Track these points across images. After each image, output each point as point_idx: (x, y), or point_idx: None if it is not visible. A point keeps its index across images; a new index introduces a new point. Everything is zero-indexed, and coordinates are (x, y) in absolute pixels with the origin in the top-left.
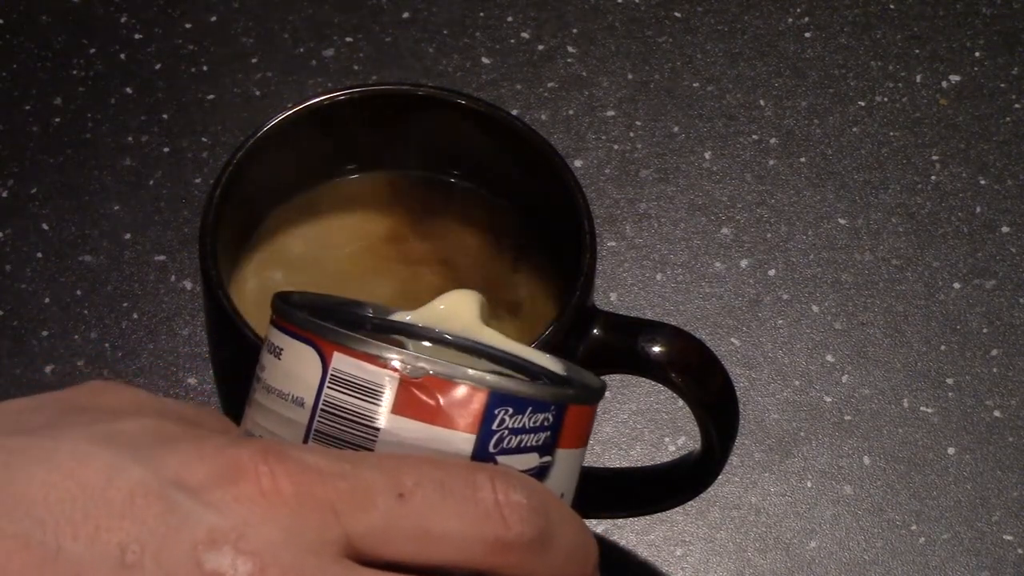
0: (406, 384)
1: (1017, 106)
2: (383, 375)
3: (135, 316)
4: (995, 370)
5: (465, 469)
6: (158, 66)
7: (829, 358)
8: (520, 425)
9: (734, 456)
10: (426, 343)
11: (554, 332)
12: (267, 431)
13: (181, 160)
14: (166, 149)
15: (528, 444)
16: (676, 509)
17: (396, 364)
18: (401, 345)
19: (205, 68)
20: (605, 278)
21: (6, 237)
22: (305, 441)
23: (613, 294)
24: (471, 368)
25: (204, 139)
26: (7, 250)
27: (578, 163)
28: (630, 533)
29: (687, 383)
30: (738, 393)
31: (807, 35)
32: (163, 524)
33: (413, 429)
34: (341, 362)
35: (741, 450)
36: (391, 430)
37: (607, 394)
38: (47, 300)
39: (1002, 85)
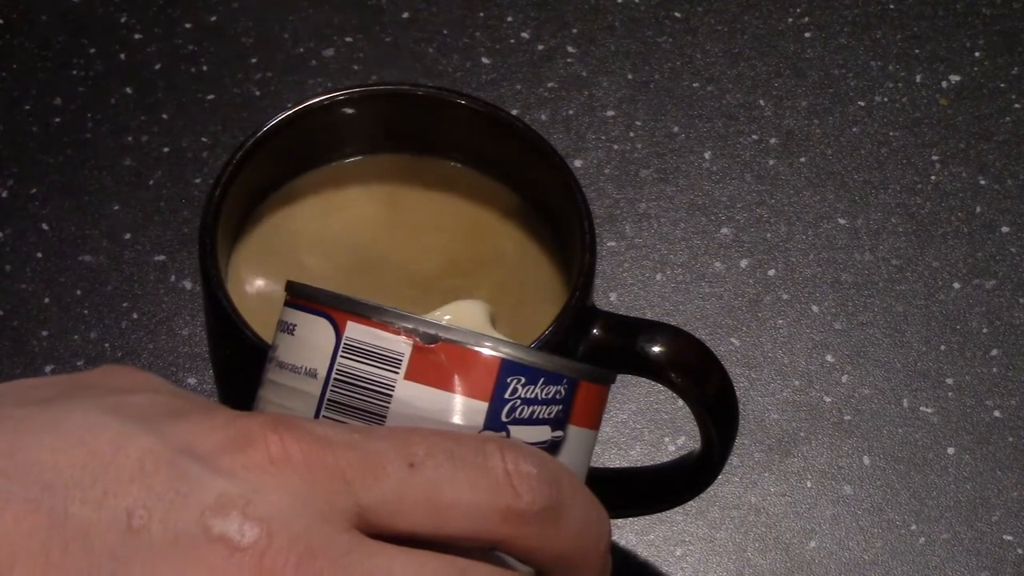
0: (419, 350)
1: (1017, 106)
2: (397, 341)
3: (135, 316)
4: (995, 370)
5: (475, 440)
6: (158, 66)
7: (829, 358)
8: (532, 396)
9: (734, 456)
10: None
11: (554, 332)
12: (278, 405)
13: (181, 160)
14: (166, 149)
15: (540, 416)
16: (676, 509)
17: (409, 331)
18: None
19: (205, 68)
20: (605, 278)
21: (6, 237)
22: (318, 411)
23: (613, 294)
24: (483, 336)
25: (204, 139)
26: (7, 250)
27: (578, 163)
28: (630, 533)
29: (687, 383)
30: (738, 393)
31: (807, 35)
32: (171, 490)
33: (426, 396)
34: (355, 331)
35: (741, 450)
36: (404, 397)
37: None
38: (47, 300)
39: (1002, 85)
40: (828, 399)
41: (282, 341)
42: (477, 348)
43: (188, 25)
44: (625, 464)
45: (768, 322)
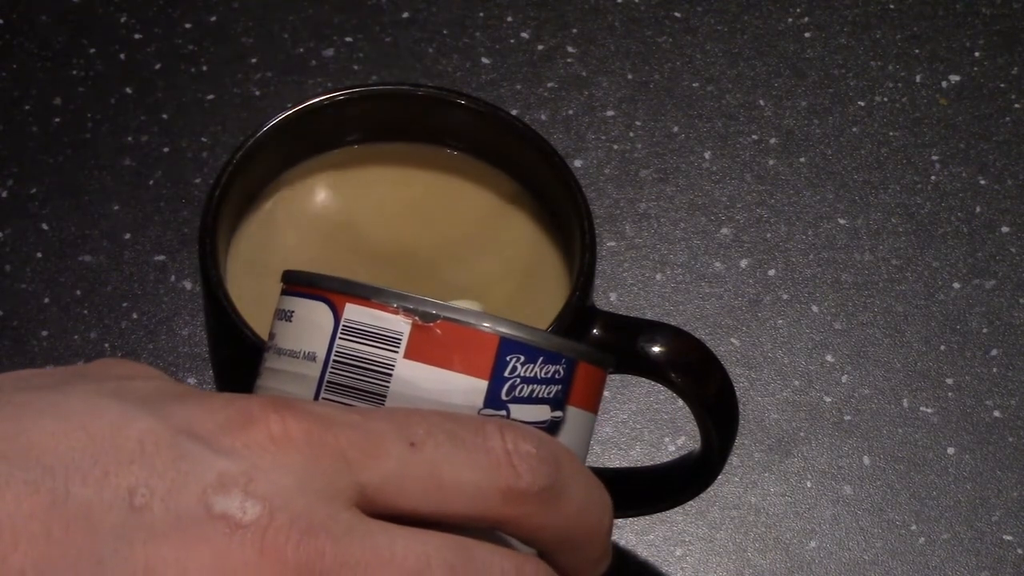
0: (418, 329)
1: (1017, 106)
2: (396, 321)
3: (135, 316)
4: (995, 370)
5: (475, 420)
6: (158, 66)
7: (829, 358)
8: (532, 374)
9: (734, 456)
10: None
11: (553, 332)
12: (277, 391)
13: (181, 160)
14: (166, 149)
15: (540, 395)
16: (676, 509)
17: (408, 310)
18: None
19: (205, 68)
20: (605, 278)
21: (6, 237)
22: (317, 393)
23: (613, 294)
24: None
25: (204, 139)
26: (7, 250)
27: (578, 163)
28: (630, 533)
29: (687, 383)
30: (738, 393)
31: (807, 35)
32: (172, 469)
33: (426, 375)
34: (353, 312)
35: (741, 450)
36: (404, 377)
37: (607, 394)
38: (47, 300)
39: (1002, 85)
40: (828, 399)
41: (280, 329)
42: (476, 326)
43: (188, 25)
44: (625, 464)
45: (768, 322)
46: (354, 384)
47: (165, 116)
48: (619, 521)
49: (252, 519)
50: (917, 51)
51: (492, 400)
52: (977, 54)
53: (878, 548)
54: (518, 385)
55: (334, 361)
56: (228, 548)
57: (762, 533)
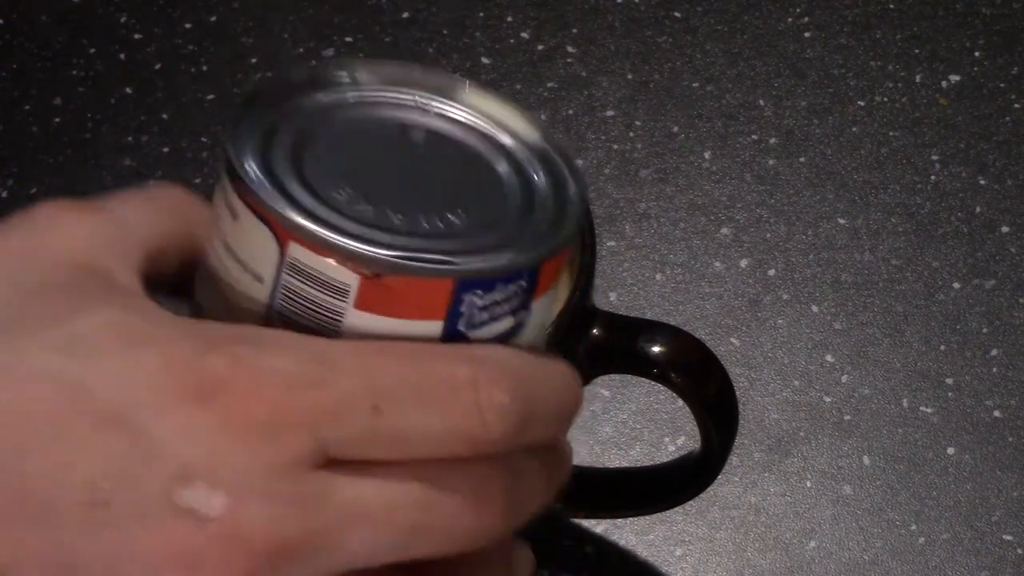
0: (368, 282)
1: (1017, 106)
2: (343, 272)
3: None
4: (995, 370)
5: (443, 363)
6: (158, 66)
7: (829, 358)
8: (491, 301)
9: (734, 456)
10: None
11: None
12: (229, 303)
13: (181, 160)
14: (166, 149)
15: (500, 313)
16: (676, 509)
17: (356, 262)
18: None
19: (205, 68)
20: (605, 278)
21: None
22: (268, 319)
23: (613, 294)
24: (434, 255)
25: (204, 139)
26: None
27: (578, 163)
28: (630, 533)
29: (687, 383)
30: (738, 393)
31: (807, 35)
32: (131, 457)
33: (378, 323)
34: (298, 252)
35: (741, 450)
36: (355, 324)
37: (607, 394)
38: None
39: (1002, 85)
40: (828, 399)
41: (225, 220)
42: (428, 276)
43: (188, 25)
44: (625, 464)
45: (768, 322)
46: (303, 321)
47: (165, 116)
48: (619, 521)
49: (219, 513)
50: (917, 51)
51: (449, 335)
52: (977, 54)
53: (878, 548)
54: (476, 315)
55: (281, 294)
56: (197, 543)
57: (762, 533)
